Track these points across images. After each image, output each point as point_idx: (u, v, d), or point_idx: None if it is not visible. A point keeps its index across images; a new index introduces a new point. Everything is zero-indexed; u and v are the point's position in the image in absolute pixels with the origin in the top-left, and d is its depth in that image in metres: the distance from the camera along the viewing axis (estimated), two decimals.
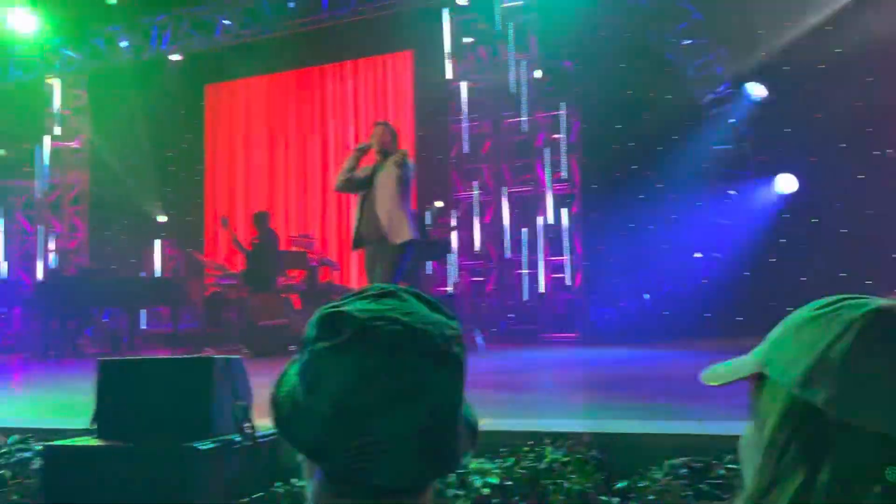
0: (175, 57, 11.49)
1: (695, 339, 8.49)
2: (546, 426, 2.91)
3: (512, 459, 2.58)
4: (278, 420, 0.79)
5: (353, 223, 5.17)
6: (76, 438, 2.53)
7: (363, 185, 5.08)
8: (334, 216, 12.29)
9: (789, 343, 0.74)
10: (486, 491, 2.49)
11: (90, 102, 12.59)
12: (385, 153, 5.12)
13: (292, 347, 8.43)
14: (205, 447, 2.38)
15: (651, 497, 2.41)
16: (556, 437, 2.69)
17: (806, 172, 9.24)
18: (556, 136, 9.32)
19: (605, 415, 3.31)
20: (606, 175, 9.82)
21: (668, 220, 9.78)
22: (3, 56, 11.70)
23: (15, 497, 2.67)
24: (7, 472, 2.75)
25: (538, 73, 9.26)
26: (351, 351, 0.74)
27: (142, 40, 11.44)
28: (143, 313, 11.15)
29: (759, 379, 0.75)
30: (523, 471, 2.50)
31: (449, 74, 9.83)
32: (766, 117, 9.37)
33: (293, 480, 2.55)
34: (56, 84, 12.26)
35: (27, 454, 2.76)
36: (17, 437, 2.84)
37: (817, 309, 0.74)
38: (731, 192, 9.61)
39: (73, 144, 12.49)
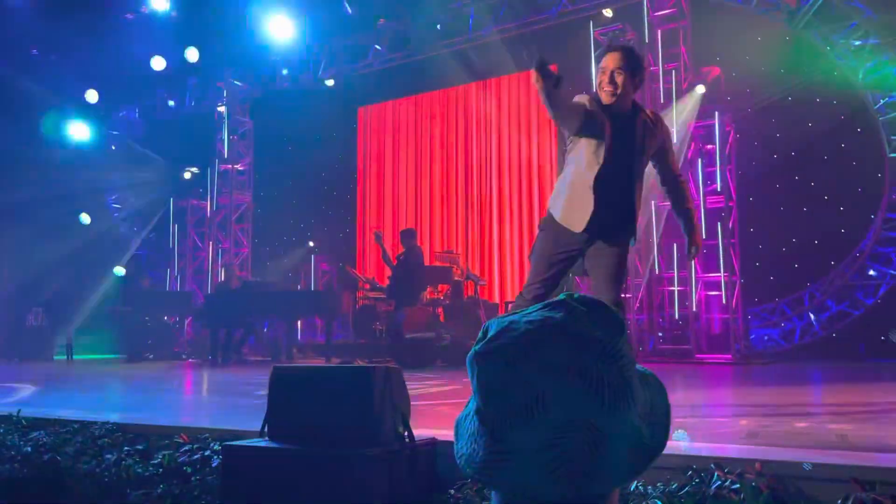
0: (330, 82, 12.15)
1: (867, 362, 7.78)
2: (709, 451, 2.75)
3: (675, 484, 2.46)
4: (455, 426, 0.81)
5: (582, 205, 3.15)
6: (251, 439, 2.69)
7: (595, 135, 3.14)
8: (477, 232, 12.43)
9: None
10: None
11: (254, 128, 13.59)
12: (629, 101, 3.19)
13: (440, 362, 8.60)
14: (368, 453, 2.46)
15: None
16: (723, 463, 2.54)
17: None
18: (708, 146, 8.92)
19: (774, 441, 3.09)
20: (765, 187, 9.27)
21: (836, 235, 9.07)
22: (181, 88, 12.91)
23: (196, 492, 2.88)
24: (189, 469, 2.98)
25: (700, 88, 8.87)
26: (483, 362, 0.74)
27: (300, 68, 12.21)
28: (299, 324, 11.79)
29: None
30: (689, 497, 2.37)
31: (595, 87, 9.69)
32: None
33: (451, 491, 2.57)
34: (224, 111, 13.34)
35: (206, 452, 2.98)
36: (198, 436, 3.07)
37: None
38: None
39: (239, 167, 13.50)
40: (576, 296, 0.81)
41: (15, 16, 10.65)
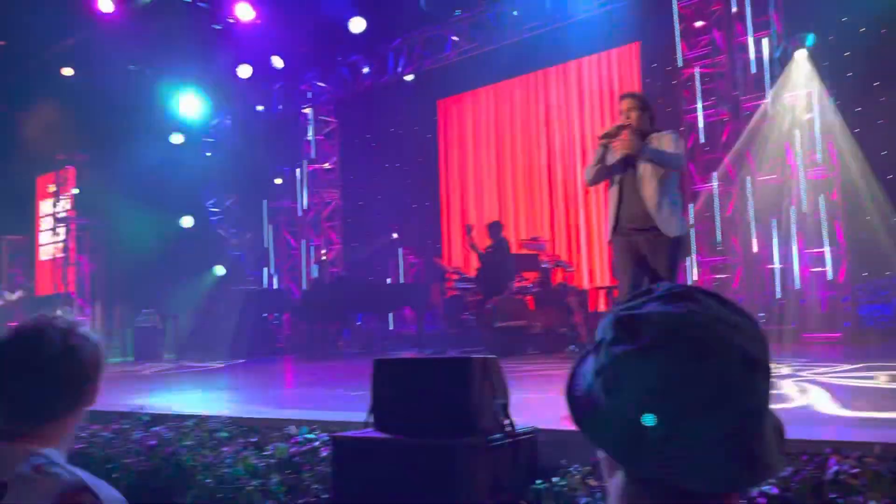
0: (409, 77, 12.27)
1: None
2: (826, 434, 2.64)
3: (789, 469, 2.38)
4: (578, 419, 0.79)
5: (611, 209, 4.25)
6: (356, 430, 2.78)
7: (618, 170, 4.24)
8: (562, 218, 12.29)
9: None
10: (761, 501, 2.32)
11: (339, 127, 13.92)
12: (640, 132, 4.23)
13: (531, 350, 8.58)
14: (470, 443, 2.50)
15: None
16: (840, 447, 2.44)
17: None
18: (807, 116, 8.48)
19: (894, 423, 2.94)
20: (869, 155, 8.74)
21: None
22: (268, 93, 13.35)
23: (308, 481, 3.00)
24: (300, 459, 3.11)
25: (800, 53, 8.40)
26: (654, 356, 0.72)
27: (380, 65, 12.39)
28: (391, 316, 12.01)
29: None
30: (804, 482, 2.29)
31: (680, 62, 9.39)
32: None
33: (554, 479, 2.57)
34: (310, 112, 13.71)
35: (316, 443, 3.10)
36: (307, 427, 3.20)
37: None
38: None
39: (326, 166, 13.86)
40: (683, 287, 0.80)
41: (112, 36, 11.30)
